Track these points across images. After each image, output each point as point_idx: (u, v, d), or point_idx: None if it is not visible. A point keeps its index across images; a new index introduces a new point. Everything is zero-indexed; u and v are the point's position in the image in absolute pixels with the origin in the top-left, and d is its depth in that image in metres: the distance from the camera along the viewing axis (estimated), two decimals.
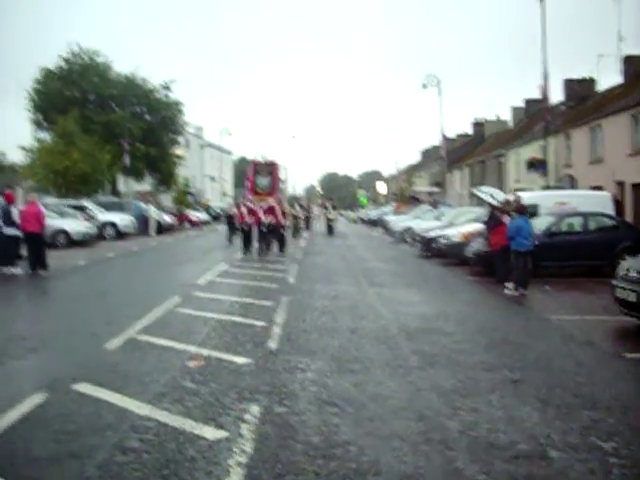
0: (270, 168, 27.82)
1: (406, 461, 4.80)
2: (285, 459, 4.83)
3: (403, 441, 5.18)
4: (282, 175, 54.63)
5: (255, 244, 23.22)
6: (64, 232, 26.31)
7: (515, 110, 54.75)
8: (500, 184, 42.90)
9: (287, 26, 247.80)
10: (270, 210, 23.61)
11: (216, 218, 58.01)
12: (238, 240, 25.19)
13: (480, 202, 22.69)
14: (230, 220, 27.66)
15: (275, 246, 24.41)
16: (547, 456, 4.91)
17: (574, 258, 16.90)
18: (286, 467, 4.68)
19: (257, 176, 27.13)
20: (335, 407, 6.02)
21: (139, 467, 4.67)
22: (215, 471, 4.61)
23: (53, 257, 18.48)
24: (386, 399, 6.31)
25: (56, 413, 5.79)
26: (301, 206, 36.73)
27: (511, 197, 17.36)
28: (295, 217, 34.95)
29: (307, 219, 42.44)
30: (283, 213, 25.04)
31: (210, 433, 5.31)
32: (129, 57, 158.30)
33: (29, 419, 5.62)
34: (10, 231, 16.96)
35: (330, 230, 39.15)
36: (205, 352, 8.09)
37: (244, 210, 23.79)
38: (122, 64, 70.79)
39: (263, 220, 22.79)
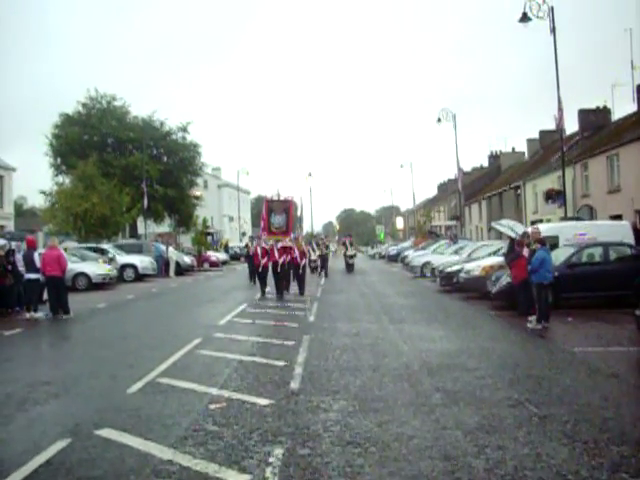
0: (285, 205, 27.42)
1: None
2: None
3: None
4: (297, 212, 54.57)
5: (272, 285, 23.02)
6: (84, 275, 26.58)
7: (530, 142, 54.89)
8: (518, 216, 42.81)
9: (302, 64, 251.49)
10: (286, 250, 23.35)
11: (235, 258, 58.26)
12: None
13: (499, 235, 22.63)
14: (251, 260, 27.53)
15: (294, 285, 24.34)
16: None
17: (596, 289, 16.71)
18: None
19: (271, 214, 26.83)
20: (359, 447, 5.95)
21: None
22: None
23: (74, 300, 18.62)
24: (410, 438, 6.23)
25: (79, 458, 5.78)
26: (318, 244, 36.64)
27: (529, 230, 17.28)
28: (314, 256, 34.87)
29: (325, 257, 42.26)
30: (301, 252, 24.85)
31: (233, 477, 5.27)
32: (146, 100, 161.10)
33: (52, 465, 5.61)
34: (32, 275, 17.18)
35: (349, 267, 38.97)
36: (227, 394, 8.07)
37: (259, 251, 23.50)
38: (139, 107, 71.99)
39: (278, 260, 22.55)
